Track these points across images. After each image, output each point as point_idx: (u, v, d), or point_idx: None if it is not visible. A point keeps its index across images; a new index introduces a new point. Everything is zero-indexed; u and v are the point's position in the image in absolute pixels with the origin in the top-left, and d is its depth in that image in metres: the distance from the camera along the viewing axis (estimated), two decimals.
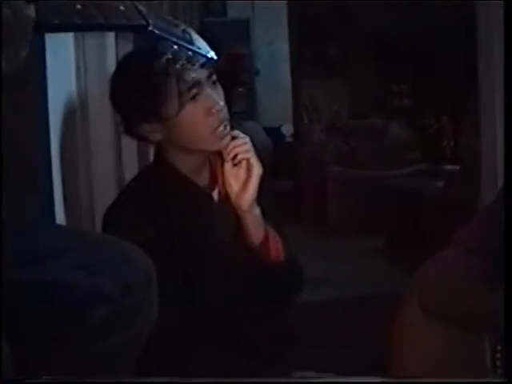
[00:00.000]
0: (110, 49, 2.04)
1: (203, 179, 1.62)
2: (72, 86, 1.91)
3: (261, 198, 1.60)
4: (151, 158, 2.35)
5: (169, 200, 1.58)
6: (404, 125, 5.82)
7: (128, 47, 2.15)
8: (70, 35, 1.86)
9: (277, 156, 6.22)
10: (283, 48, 6.77)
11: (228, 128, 1.54)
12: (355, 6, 6.05)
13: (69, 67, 1.90)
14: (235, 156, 1.55)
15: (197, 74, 1.46)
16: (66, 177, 1.82)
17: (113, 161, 2.03)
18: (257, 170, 1.55)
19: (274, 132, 6.86)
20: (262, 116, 7.30)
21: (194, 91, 1.50)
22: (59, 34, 1.63)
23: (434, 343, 1.59)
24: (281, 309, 1.74)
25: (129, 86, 1.52)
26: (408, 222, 4.48)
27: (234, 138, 1.55)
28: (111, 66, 2.04)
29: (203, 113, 1.51)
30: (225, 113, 1.54)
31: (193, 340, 1.54)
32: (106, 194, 1.96)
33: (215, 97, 1.53)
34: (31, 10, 0.81)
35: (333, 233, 4.94)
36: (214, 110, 1.51)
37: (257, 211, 1.59)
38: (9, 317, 1.01)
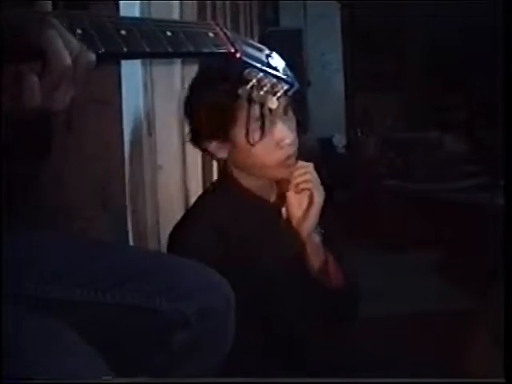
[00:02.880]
0: (176, 70, 2.06)
1: (271, 196, 1.64)
2: (139, 106, 1.92)
3: (323, 223, 1.62)
4: (216, 173, 2.37)
5: (237, 215, 1.59)
6: (459, 137, 5.75)
7: (193, 69, 2.17)
8: None
9: (328, 167, 6.20)
10: (336, 59, 6.74)
11: (294, 159, 1.55)
12: (409, 17, 6.00)
13: (137, 86, 1.91)
14: (297, 184, 1.57)
15: (273, 104, 1.46)
16: (133, 193, 1.83)
17: (178, 177, 2.04)
18: (318, 199, 1.57)
19: (325, 143, 6.83)
20: (314, 127, 7.26)
21: (267, 121, 1.50)
22: None
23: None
24: (336, 329, 1.74)
25: (204, 106, 1.53)
26: (464, 237, 4.40)
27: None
28: (177, 85, 2.06)
29: (273, 145, 1.52)
30: (295, 146, 1.55)
31: (254, 353, 1.54)
32: (171, 209, 1.97)
33: (287, 129, 1.53)
34: (92, 56, 0.80)
35: (386, 247, 4.88)
36: (283, 144, 1.52)
37: (316, 239, 1.61)
38: (92, 338, 1.02)
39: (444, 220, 4.66)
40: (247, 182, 1.60)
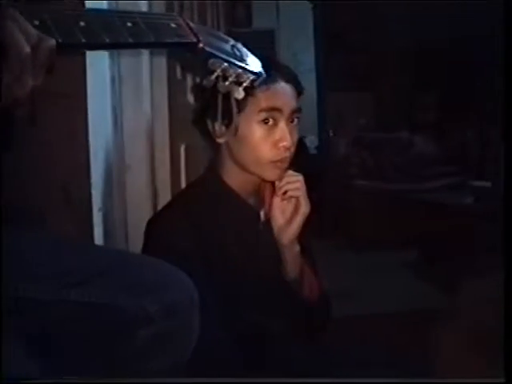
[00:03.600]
0: (144, 62, 2.04)
1: (251, 198, 1.64)
2: (107, 101, 1.90)
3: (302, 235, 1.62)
4: (184, 173, 2.36)
5: (215, 213, 1.59)
6: (430, 138, 5.79)
7: (162, 60, 2.15)
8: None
9: (300, 168, 6.21)
10: (308, 59, 6.75)
11: (286, 165, 1.56)
12: (381, 18, 6.02)
13: (104, 81, 1.89)
14: (286, 191, 1.57)
15: (239, 94, 1.44)
16: (101, 191, 1.81)
17: (146, 175, 2.02)
18: (304, 209, 1.57)
19: (297, 143, 6.81)
20: None
21: (268, 116, 1.51)
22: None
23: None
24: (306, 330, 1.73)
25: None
26: (434, 237, 4.43)
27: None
28: (146, 79, 2.04)
29: (270, 142, 1.52)
30: (290, 152, 1.55)
31: (223, 352, 1.52)
32: (139, 208, 1.96)
33: (288, 133, 1.52)
34: (52, 43, 0.79)
35: (358, 248, 4.90)
36: (281, 145, 1.52)
37: (296, 248, 1.61)
38: (54, 336, 1.00)
39: (416, 220, 4.69)
40: (233, 180, 1.60)
